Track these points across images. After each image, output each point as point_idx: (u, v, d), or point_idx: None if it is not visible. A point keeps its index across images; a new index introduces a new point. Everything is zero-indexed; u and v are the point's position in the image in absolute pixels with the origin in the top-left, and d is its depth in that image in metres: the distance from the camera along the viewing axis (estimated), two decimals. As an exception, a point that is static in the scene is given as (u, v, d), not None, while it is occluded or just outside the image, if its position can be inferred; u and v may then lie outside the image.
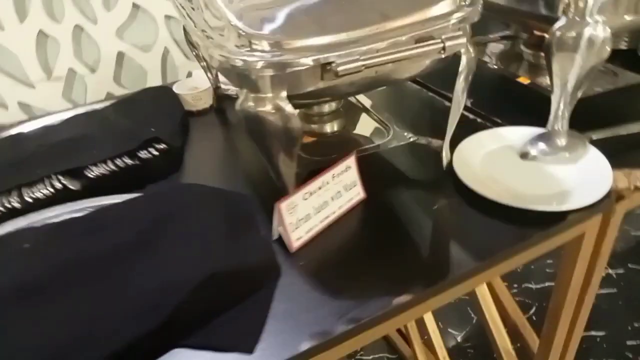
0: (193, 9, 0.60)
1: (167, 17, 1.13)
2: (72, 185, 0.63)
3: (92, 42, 1.09)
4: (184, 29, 0.81)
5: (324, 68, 0.49)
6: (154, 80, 1.18)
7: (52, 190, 0.61)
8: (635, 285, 1.50)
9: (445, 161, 0.65)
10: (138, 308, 0.44)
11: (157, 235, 0.52)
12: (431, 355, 1.21)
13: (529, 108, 0.75)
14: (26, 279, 0.47)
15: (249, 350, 0.45)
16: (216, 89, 0.86)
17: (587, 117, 0.67)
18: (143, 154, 0.67)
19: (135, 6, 1.09)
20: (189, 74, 0.93)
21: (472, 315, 1.43)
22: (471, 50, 0.56)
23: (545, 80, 0.77)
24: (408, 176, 0.68)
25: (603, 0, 0.60)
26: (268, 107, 0.50)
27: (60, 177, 0.62)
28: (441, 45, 0.50)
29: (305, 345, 0.45)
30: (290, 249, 0.54)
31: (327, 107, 0.73)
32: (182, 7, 0.63)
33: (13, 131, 0.78)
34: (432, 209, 0.61)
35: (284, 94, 0.49)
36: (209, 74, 0.84)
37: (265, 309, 0.49)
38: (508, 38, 0.95)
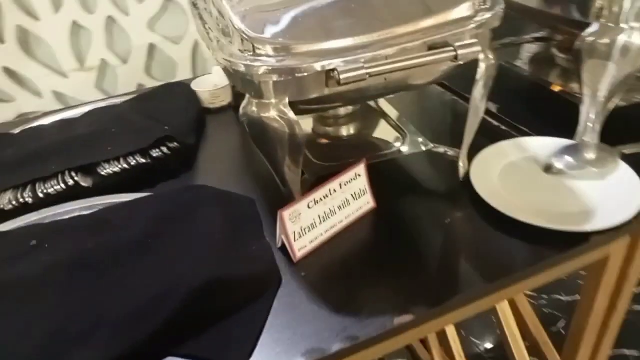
0: (206, 9, 0.59)
1: (198, 10, 1.14)
2: (84, 182, 0.63)
3: (124, 34, 1.10)
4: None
5: (329, 75, 0.46)
6: (184, 72, 1.19)
7: (64, 186, 0.62)
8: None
9: (462, 171, 0.62)
10: (130, 315, 0.44)
11: (160, 239, 0.52)
12: (450, 364, 1.18)
13: (559, 117, 0.71)
14: (27, 277, 0.48)
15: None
16: (234, 87, 0.85)
17: (619, 130, 0.62)
18: (155, 152, 0.68)
19: (167, -2, 1.10)
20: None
21: (497, 324, 1.38)
22: (491, 56, 0.52)
23: (578, 88, 0.72)
24: (422, 186, 0.65)
25: (641, 5, 0.55)
26: (272, 113, 0.49)
27: (73, 174, 0.64)
28: (454, 53, 0.47)
29: (299, 361, 0.44)
30: (293, 258, 0.53)
31: (343, 110, 0.71)
32: (195, 6, 0.62)
33: (35, 124, 0.80)
34: (445, 223, 0.58)
35: (287, 100, 0.48)
36: (227, 72, 0.83)
37: (262, 320, 0.47)
38: (541, 40, 0.90)
